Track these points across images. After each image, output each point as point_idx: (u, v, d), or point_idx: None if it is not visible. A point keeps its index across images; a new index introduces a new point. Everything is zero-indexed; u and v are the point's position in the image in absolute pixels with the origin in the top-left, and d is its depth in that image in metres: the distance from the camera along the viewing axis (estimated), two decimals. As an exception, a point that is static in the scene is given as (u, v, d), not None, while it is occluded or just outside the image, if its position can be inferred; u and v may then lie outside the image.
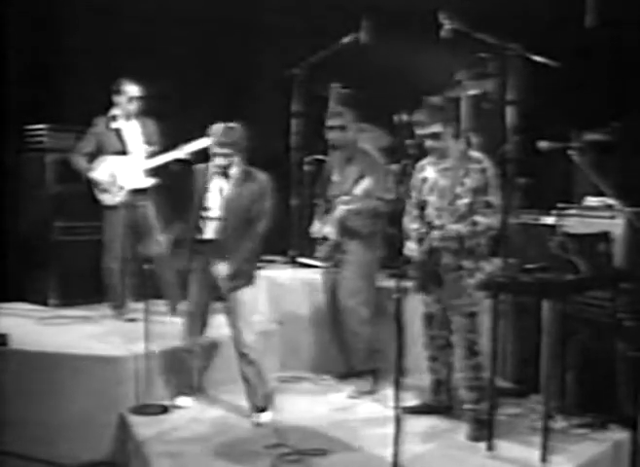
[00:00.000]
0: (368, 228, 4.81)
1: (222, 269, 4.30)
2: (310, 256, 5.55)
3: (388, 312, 4.34)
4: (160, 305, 5.43)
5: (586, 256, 3.97)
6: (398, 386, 3.51)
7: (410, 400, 4.35)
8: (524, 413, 4.35)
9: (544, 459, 3.75)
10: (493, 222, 4.10)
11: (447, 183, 4.16)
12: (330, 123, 4.89)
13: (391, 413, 3.55)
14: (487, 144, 5.18)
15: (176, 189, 5.52)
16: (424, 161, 4.32)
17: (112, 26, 6.21)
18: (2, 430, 4.40)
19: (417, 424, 4.17)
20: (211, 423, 4.38)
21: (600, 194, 4.38)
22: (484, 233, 4.12)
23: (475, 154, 4.20)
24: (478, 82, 5.79)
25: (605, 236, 4.12)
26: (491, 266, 4.34)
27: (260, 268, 4.63)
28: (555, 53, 4.75)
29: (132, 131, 5.46)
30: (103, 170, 5.38)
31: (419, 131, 4.15)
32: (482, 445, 3.95)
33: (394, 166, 5.48)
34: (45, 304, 5.83)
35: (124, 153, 5.42)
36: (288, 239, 6.16)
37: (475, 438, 4.06)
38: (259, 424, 4.33)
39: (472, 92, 5.76)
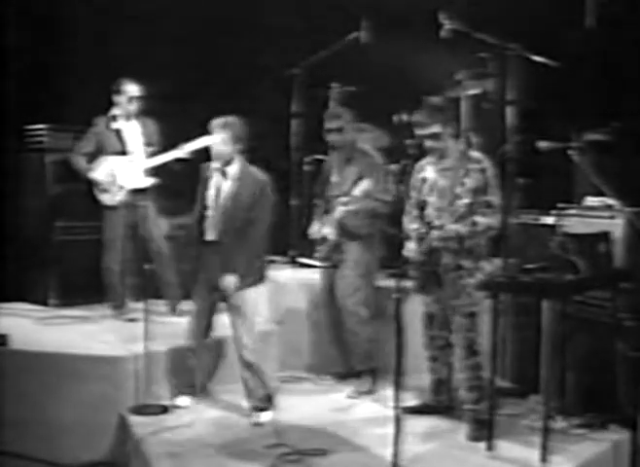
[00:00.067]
0: (366, 228, 4.82)
1: (225, 268, 4.30)
2: (310, 256, 5.56)
3: (388, 312, 4.34)
4: (160, 305, 5.43)
5: (586, 256, 3.96)
6: (398, 386, 3.51)
7: (410, 400, 4.35)
8: (524, 413, 4.35)
9: (544, 459, 3.75)
10: (493, 222, 4.10)
11: (447, 183, 4.16)
12: (328, 125, 4.89)
13: (391, 413, 3.55)
14: (487, 144, 5.18)
15: (176, 189, 5.56)
16: (424, 161, 4.32)
17: (112, 26, 6.21)
18: (2, 430, 4.40)
19: (417, 424, 4.17)
20: (211, 423, 4.38)
21: (600, 194, 4.38)
22: (484, 233, 4.12)
23: (474, 154, 4.20)
24: (478, 82, 5.79)
25: (605, 236, 4.12)
26: (491, 266, 4.34)
27: (267, 266, 4.62)
28: (555, 54, 4.76)
29: (132, 131, 5.46)
30: (103, 170, 5.38)
31: (419, 132, 4.16)
32: (482, 445, 3.95)
33: (394, 166, 5.50)
34: (45, 304, 5.83)
35: (123, 153, 5.42)
36: (288, 239, 6.16)
37: (475, 438, 4.06)
38: (258, 424, 4.33)
39: (472, 92, 5.77)
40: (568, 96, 5.35)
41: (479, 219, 4.06)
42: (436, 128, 4.11)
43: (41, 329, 5.23)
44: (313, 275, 5.27)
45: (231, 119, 4.38)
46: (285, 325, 5.38)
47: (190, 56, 6.41)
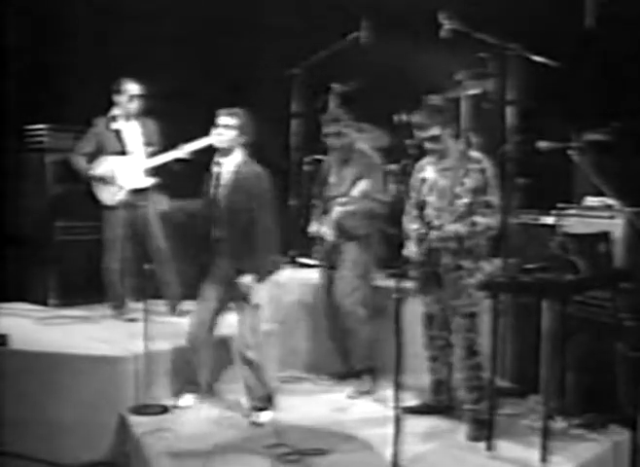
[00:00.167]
0: (364, 228, 4.83)
1: (234, 265, 4.31)
2: (310, 256, 5.56)
3: (387, 312, 4.34)
4: (160, 305, 5.43)
5: (586, 256, 3.96)
6: (398, 386, 3.51)
7: (410, 400, 4.35)
8: (524, 413, 4.34)
9: (544, 459, 3.75)
10: (492, 222, 4.10)
11: (447, 183, 4.17)
12: (326, 129, 4.90)
13: (391, 413, 3.55)
14: (487, 144, 5.18)
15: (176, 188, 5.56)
16: (423, 161, 4.32)
17: (112, 26, 6.21)
18: (2, 430, 4.40)
19: (417, 424, 4.17)
20: (211, 423, 4.38)
21: (600, 194, 4.38)
22: (484, 233, 4.12)
23: (474, 154, 4.20)
24: (478, 82, 5.78)
25: (605, 236, 4.12)
26: (491, 266, 4.34)
27: (278, 260, 4.62)
28: (555, 54, 4.75)
29: (132, 131, 5.46)
30: (103, 170, 5.38)
31: (418, 134, 4.16)
32: (482, 445, 3.95)
33: (394, 166, 5.50)
34: (45, 304, 5.83)
35: (123, 153, 5.42)
36: (288, 239, 6.16)
37: (475, 438, 4.06)
38: (257, 424, 4.33)
39: (472, 92, 5.76)
40: (568, 96, 5.35)
41: (478, 219, 4.07)
42: (435, 131, 4.11)
43: (41, 329, 5.23)
44: (313, 275, 5.27)
45: (239, 110, 4.41)
46: (285, 325, 5.39)
47: (190, 56, 6.41)
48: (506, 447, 3.93)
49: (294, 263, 6.11)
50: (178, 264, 5.56)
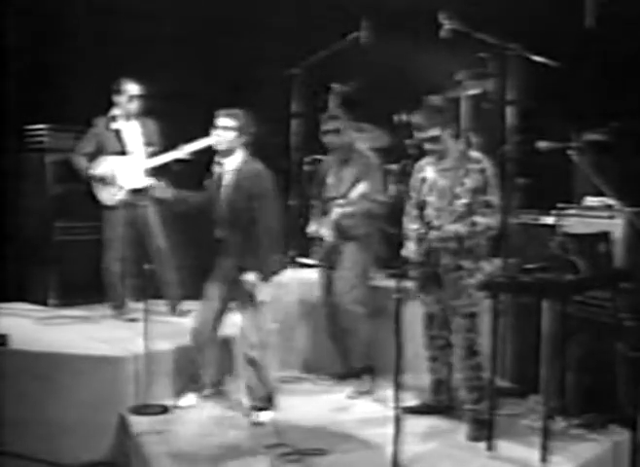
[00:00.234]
0: (363, 229, 4.83)
1: (238, 264, 4.31)
2: (309, 256, 5.56)
3: (387, 312, 4.34)
4: (160, 305, 5.43)
5: (586, 256, 3.96)
6: (398, 386, 3.51)
7: (410, 400, 4.35)
8: (524, 413, 4.35)
9: (544, 459, 3.75)
10: (492, 222, 4.10)
11: (447, 183, 4.17)
12: (325, 126, 4.90)
13: (391, 413, 3.55)
14: (487, 144, 5.18)
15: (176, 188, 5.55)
16: (423, 162, 4.32)
17: (112, 26, 6.21)
18: (2, 430, 4.40)
19: (417, 424, 4.17)
20: (211, 423, 4.38)
21: (600, 194, 4.38)
22: (484, 233, 4.12)
23: (474, 154, 4.20)
24: (478, 82, 5.79)
25: (605, 236, 4.12)
26: (491, 266, 4.34)
27: (283, 260, 4.61)
28: (555, 54, 4.75)
29: (132, 132, 5.46)
30: (103, 170, 5.38)
31: (418, 135, 4.15)
32: (482, 445, 3.95)
33: (394, 166, 5.50)
34: (45, 304, 5.83)
35: (123, 153, 5.42)
36: (287, 239, 6.16)
37: (475, 438, 4.06)
38: (257, 423, 4.33)
39: (472, 92, 5.76)
40: (568, 96, 5.34)
41: (478, 219, 4.07)
42: (435, 131, 4.10)
43: (41, 329, 5.23)
44: (313, 275, 5.27)
45: (238, 110, 4.40)
46: (285, 325, 5.39)
47: (190, 56, 6.41)
48: (506, 447, 3.93)
49: (293, 263, 6.11)
50: (179, 262, 5.57)
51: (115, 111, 5.45)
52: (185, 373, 4.65)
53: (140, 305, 4.85)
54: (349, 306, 4.83)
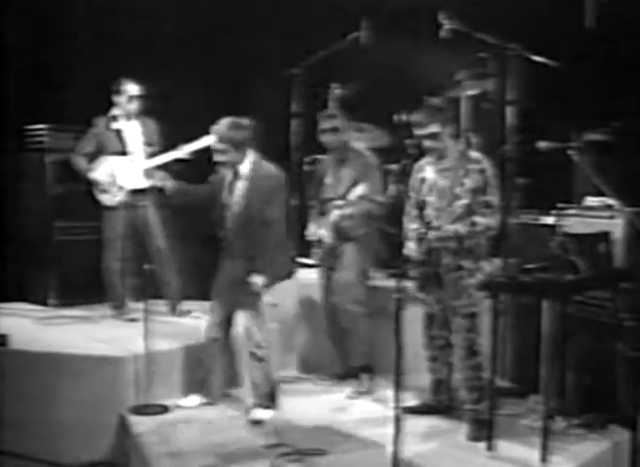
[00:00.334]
0: (362, 230, 4.83)
1: (246, 268, 4.31)
2: (309, 256, 5.56)
3: (387, 312, 4.34)
4: (160, 305, 5.43)
5: (586, 256, 3.96)
6: (398, 386, 3.51)
7: (410, 400, 4.35)
8: (524, 413, 4.34)
9: (544, 459, 3.75)
10: (492, 222, 4.10)
11: (447, 183, 4.17)
12: (323, 125, 4.90)
13: (391, 413, 3.55)
14: (487, 144, 5.18)
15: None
16: (423, 162, 4.32)
17: (112, 26, 6.21)
18: (2, 430, 4.40)
19: (417, 424, 4.17)
20: (211, 423, 4.38)
21: (600, 194, 4.37)
22: (484, 233, 4.12)
23: (474, 154, 4.20)
24: (478, 82, 5.79)
25: (605, 236, 4.12)
26: (491, 266, 4.34)
27: (293, 263, 4.62)
28: (555, 54, 4.75)
29: (133, 131, 5.46)
30: (103, 170, 5.38)
31: (418, 132, 4.16)
32: (482, 445, 3.95)
33: (394, 166, 5.49)
34: (45, 304, 5.83)
35: (124, 153, 5.42)
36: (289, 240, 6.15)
37: (475, 438, 4.06)
38: (258, 422, 4.33)
39: (472, 92, 5.76)
40: (568, 96, 5.34)
41: (478, 219, 4.07)
42: (434, 128, 4.11)
43: (41, 329, 5.23)
44: (312, 275, 5.27)
45: (227, 122, 4.33)
46: (285, 325, 5.38)
47: (190, 56, 6.41)
48: (506, 447, 3.93)
49: (288, 262, 6.09)
50: (179, 262, 5.57)
51: (115, 111, 5.45)
52: (187, 372, 4.64)
53: (140, 305, 4.85)
54: (349, 306, 4.83)
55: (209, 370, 4.55)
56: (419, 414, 4.33)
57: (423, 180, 4.28)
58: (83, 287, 5.80)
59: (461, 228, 4.07)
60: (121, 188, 5.37)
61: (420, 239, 4.20)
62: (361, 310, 4.84)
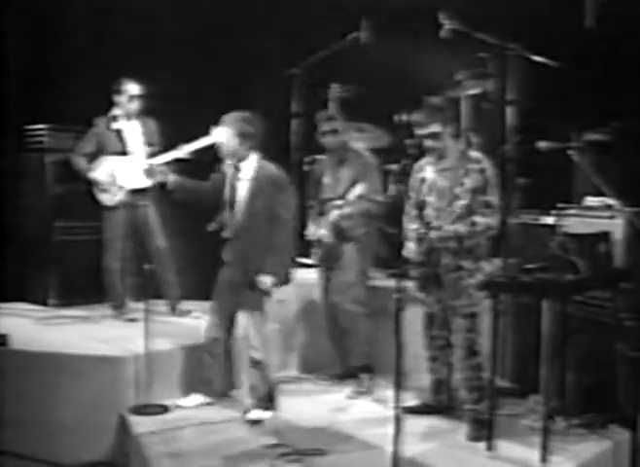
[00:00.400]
0: (362, 230, 4.83)
1: (250, 268, 4.31)
2: (309, 256, 5.56)
3: (387, 312, 4.34)
4: (160, 305, 5.43)
5: (586, 256, 3.96)
6: (398, 386, 3.51)
7: (410, 400, 4.35)
8: (524, 413, 4.34)
9: (544, 459, 3.75)
10: (492, 222, 4.11)
11: (446, 183, 4.17)
12: (322, 127, 4.90)
13: (391, 413, 3.55)
14: (487, 144, 5.18)
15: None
16: (423, 162, 4.32)
17: (112, 26, 6.21)
18: (2, 430, 4.40)
19: (417, 424, 4.17)
20: (211, 423, 4.37)
21: (600, 194, 4.38)
22: (484, 233, 4.12)
23: (474, 154, 4.21)
24: (478, 82, 5.78)
25: (605, 236, 4.12)
26: (491, 266, 4.34)
27: (293, 267, 4.62)
28: (555, 54, 4.75)
29: (133, 131, 5.46)
30: (103, 170, 5.38)
31: (418, 131, 4.16)
32: (482, 445, 3.95)
33: (394, 166, 5.50)
34: (45, 304, 5.83)
35: (124, 153, 5.42)
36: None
37: (475, 438, 4.06)
38: (257, 422, 4.33)
39: (472, 92, 5.76)
40: (568, 96, 5.34)
41: (478, 219, 4.07)
42: (435, 128, 4.11)
43: (41, 329, 5.23)
44: (312, 275, 5.28)
45: (238, 115, 4.37)
46: (285, 325, 5.38)
47: (190, 56, 6.41)
48: (506, 447, 3.93)
49: (293, 263, 6.10)
50: (179, 262, 5.57)
51: (115, 111, 5.45)
52: (187, 372, 4.64)
53: (140, 305, 4.86)
54: (349, 306, 4.84)
55: (209, 370, 4.55)
56: (419, 414, 4.33)
57: (423, 180, 4.28)
58: (83, 287, 5.80)
59: (461, 228, 4.08)
60: (121, 188, 5.37)
61: (420, 239, 4.20)
62: (361, 310, 4.85)
